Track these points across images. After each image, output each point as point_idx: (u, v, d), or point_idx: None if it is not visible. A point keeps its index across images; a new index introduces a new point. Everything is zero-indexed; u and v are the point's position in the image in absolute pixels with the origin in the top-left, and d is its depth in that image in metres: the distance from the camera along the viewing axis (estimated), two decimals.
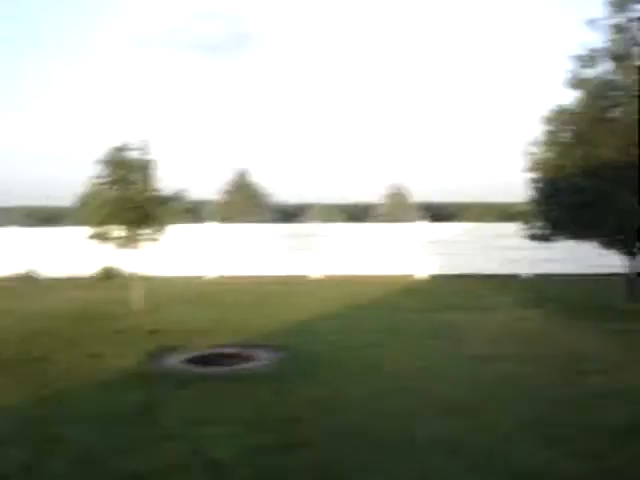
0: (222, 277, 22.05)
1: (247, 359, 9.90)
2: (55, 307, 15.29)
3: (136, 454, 6.03)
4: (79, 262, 22.15)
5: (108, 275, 21.72)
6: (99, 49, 46.95)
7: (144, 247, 14.66)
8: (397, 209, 28.70)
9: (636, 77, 12.97)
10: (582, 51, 13.73)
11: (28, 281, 21.76)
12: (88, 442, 6.38)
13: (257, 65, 48.96)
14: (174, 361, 9.79)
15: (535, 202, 15.09)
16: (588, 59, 13.65)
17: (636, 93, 12.89)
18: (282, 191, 37.80)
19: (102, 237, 14.22)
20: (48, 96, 47.69)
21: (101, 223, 14.07)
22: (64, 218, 29.77)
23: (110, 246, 14.66)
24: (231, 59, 54.53)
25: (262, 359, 9.83)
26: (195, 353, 10.27)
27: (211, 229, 23.09)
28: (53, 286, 20.35)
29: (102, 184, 14.10)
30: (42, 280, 21.94)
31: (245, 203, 27.36)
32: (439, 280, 20.64)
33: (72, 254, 22.21)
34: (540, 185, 14.79)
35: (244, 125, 48.90)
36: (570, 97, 14.31)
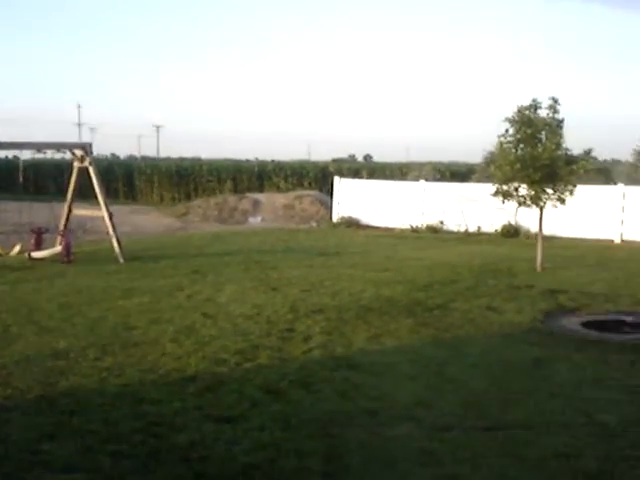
0: (628, 242, 20.94)
1: None
2: (458, 259, 16.07)
3: (521, 406, 6.25)
4: (482, 217, 22.83)
5: (511, 232, 22.05)
6: None
7: (549, 206, 14.57)
8: None
9: None
10: None
11: (436, 232, 23.14)
12: (478, 387, 6.77)
13: None
14: (570, 322, 9.73)
15: None
16: None
17: None
18: None
19: (506, 194, 14.47)
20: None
21: (506, 180, 14.31)
22: (472, 174, 30.93)
23: (513, 203, 14.87)
24: None
25: None
26: (593, 317, 10.06)
27: (618, 191, 21.98)
28: (458, 239, 21.42)
29: (509, 142, 14.31)
30: (447, 232, 23.17)
31: None
32: None
33: (476, 209, 22.96)
34: None
35: None
36: None
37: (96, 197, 15.71)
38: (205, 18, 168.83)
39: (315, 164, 42.40)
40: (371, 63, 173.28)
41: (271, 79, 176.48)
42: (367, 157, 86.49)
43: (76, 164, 15.89)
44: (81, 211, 16.97)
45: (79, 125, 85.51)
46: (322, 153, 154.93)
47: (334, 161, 50.34)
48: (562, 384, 6.87)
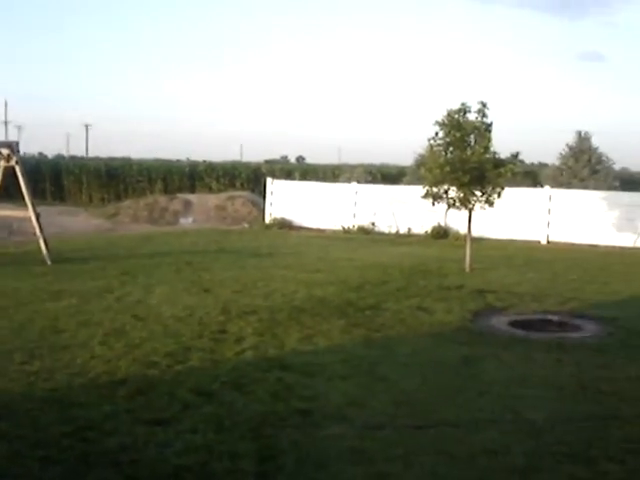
0: (554, 243, 21.56)
1: (572, 328, 9.72)
2: (389, 260, 16.25)
3: (451, 404, 6.37)
4: (413, 219, 23.13)
5: (441, 233, 22.41)
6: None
7: (477, 208, 14.88)
8: None
9: None
10: None
11: (367, 234, 23.34)
12: (409, 385, 6.87)
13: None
14: (498, 322, 9.94)
15: None
16: None
17: None
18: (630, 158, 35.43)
19: (436, 196, 14.72)
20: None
21: (436, 183, 14.56)
22: (403, 177, 31.29)
23: (443, 206, 15.14)
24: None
25: (588, 330, 9.58)
26: (520, 316, 10.32)
27: (544, 194, 22.59)
28: (389, 240, 21.65)
29: (439, 145, 14.56)
30: (378, 234, 23.39)
31: (584, 168, 26.09)
32: None
33: (407, 211, 23.24)
34: None
35: (584, 87, 46.49)
36: None
37: (23, 197, 15.32)
38: (125, 15, 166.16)
39: (247, 165, 42.28)
40: (302, 64, 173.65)
41: (202, 78, 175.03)
42: (300, 159, 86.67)
43: (2, 163, 15.46)
44: (7, 212, 16.56)
45: (5, 123, 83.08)
46: (254, 154, 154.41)
47: (266, 162, 50.33)
48: (490, 382, 7.01)
